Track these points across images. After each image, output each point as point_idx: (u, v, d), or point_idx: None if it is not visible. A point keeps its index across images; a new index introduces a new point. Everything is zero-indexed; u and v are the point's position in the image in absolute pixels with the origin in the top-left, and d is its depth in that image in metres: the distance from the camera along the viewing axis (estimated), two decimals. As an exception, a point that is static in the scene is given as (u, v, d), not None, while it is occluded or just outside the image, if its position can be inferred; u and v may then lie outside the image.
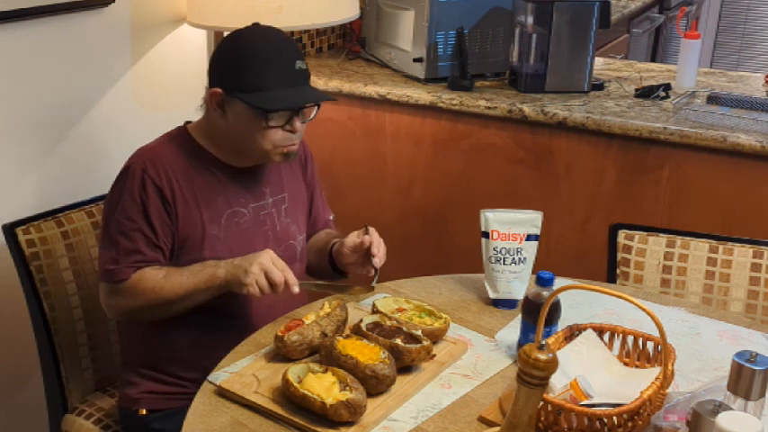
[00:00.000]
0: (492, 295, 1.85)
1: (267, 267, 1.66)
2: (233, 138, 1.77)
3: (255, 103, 1.68)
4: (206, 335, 1.80)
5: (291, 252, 1.89)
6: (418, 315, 1.71)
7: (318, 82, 2.86)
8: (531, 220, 1.83)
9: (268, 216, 1.86)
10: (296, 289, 1.69)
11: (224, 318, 1.79)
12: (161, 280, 1.70)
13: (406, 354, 1.55)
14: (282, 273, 1.67)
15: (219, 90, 1.72)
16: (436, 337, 1.66)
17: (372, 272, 1.82)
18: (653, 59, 4.94)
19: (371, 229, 1.83)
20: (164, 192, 1.73)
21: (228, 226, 1.79)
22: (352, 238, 1.84)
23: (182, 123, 1.86)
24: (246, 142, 1.75)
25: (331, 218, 2.08)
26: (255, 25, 1.78)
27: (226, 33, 2.18)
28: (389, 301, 1.75)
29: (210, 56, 1.79)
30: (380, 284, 1.85)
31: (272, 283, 1.66)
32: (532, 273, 1.82)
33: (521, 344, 1.65)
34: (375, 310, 1.72)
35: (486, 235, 1.84)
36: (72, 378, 2.00)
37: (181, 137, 1.81)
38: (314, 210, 2.02)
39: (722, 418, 1.18)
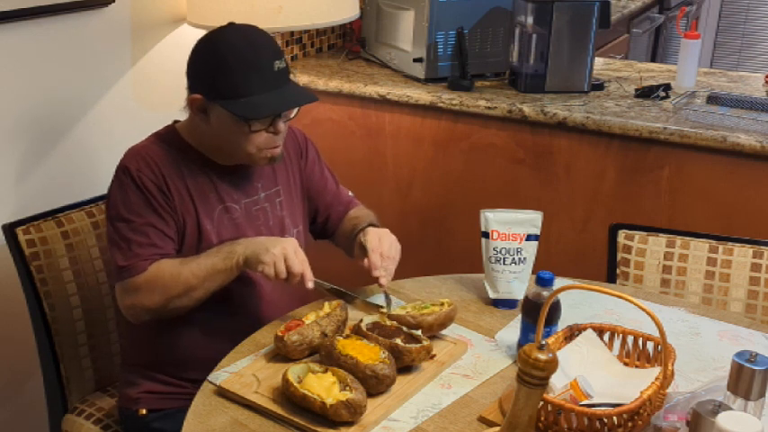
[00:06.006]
0: (492, 295, 1.85)
1: (289, 254, 1.65)
2: (218, 140, 1.76)
3: (237, 111, 1.66)
4: (207, 335, 1.80)
5: None
6: (425, 307, 1.70)
7: (318, 82, 2.86)
8: (531, 220, 1.83)
9: (261, 211, 1.85)
10: (310, 285, 1.68)
11: (226, 318, 1.79)
12: (178, 266, 1.69)
13: (406, 354, 1.55)
14: (302, 265, 1.67)
15: (200, 96, 1.71)
16: (451, 319, 1.68)
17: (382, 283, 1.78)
18: (653, 59, 4.94)
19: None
20: (161, 187, 1.72)
21: (221, 222, 1.79)
22: (367, 247, 1.80)
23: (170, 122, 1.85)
24: (231, 145, 1.74)
25: (351, 194, 2.04)
26: (231, 26, 1.75)
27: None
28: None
29: (188, 59, 1.75)
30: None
31: (289, 272, 1.65)
32: (532, 273, 1.82)
33: (521, 344, 1.65)
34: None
35: (486, 235, 1.84)
36: (72, 378, 2.00)
37: (170, 136, 1.80)
38: (326, 197, 1.99)
39: (722, 418, 1.18)
